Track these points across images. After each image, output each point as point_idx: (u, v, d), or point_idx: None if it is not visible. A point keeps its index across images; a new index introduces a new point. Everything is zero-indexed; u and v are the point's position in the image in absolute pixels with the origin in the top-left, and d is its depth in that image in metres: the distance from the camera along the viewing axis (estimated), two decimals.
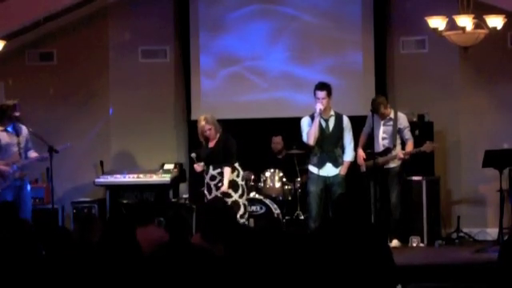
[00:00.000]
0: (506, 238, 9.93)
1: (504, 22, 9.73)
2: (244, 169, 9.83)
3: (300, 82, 11.32)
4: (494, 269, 5.79)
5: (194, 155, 9.67)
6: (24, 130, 9.63)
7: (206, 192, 9.57)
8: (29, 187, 9.70)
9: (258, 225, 6.01)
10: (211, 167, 9.54)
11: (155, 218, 7.47)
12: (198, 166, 9.60)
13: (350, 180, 9.85)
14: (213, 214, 6.80)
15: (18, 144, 9.55)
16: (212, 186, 9.53)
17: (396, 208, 10.28)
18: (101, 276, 5.80)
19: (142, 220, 7.01)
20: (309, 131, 9.61)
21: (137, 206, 8.12)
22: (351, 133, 9.76)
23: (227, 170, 9.44)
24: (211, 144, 9.58)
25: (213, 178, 9.54)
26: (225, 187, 9.41)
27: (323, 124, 9.63)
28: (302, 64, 11.61)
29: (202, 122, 9.54)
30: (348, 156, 9.73)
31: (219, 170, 9.48)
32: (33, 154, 9.65)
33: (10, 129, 9.54)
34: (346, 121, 9.75)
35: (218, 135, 9.57)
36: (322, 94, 9.55)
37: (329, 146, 9.64)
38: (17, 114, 9.57)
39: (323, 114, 9.59)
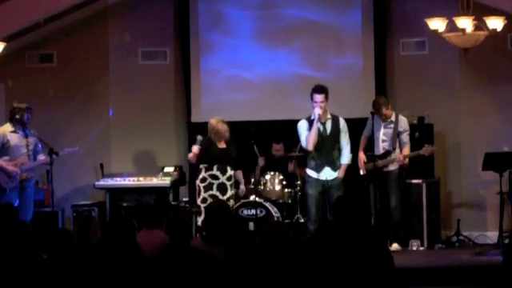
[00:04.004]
0: (506, 241, 9.96)
1: (504, 24, 9.73)
2: (244, 169, 10.24)
3: (300, 83, 11.28)
4: (496, 271, 5.80)
5: (200, 138, 9.73)
6: (33, 133, 9.89)
7: (202, 188, 9.73)
8: (33, 189, 9.96)
9: (261, 228, 6.01)
10: (215, 167, 9.71)
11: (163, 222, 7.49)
12: (197, 149, 9.73)
13: (349, 183, 9.83)
14: (213, 216, 6.80)
15: (27, 146, 9.81)
16: (215, 184, 9.72)
17: (396, 211, 10.23)
18: (100, 278, 5.80)
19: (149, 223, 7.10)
20: (308, 136, 9.50)
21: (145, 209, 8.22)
22: (348, 135, 9.68)
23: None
24: (221, 145, 9.77)
25: (215, 177, 9.70)
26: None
27: (320, 128, 9.52)
28: (302, 65, 11.58)
29: (225, 125, 9.78)
30: (345, 159, 9.66)
31: (225, 171, 9.73)
32: (41, 157, 9.93)
33: (20, 131, 9.77)
34: (342, 123, 9.66)
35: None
36: (320, 97, 9.41)
37: (326, 149, 9.56)
38: (26, 117, 9.74)
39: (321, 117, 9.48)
